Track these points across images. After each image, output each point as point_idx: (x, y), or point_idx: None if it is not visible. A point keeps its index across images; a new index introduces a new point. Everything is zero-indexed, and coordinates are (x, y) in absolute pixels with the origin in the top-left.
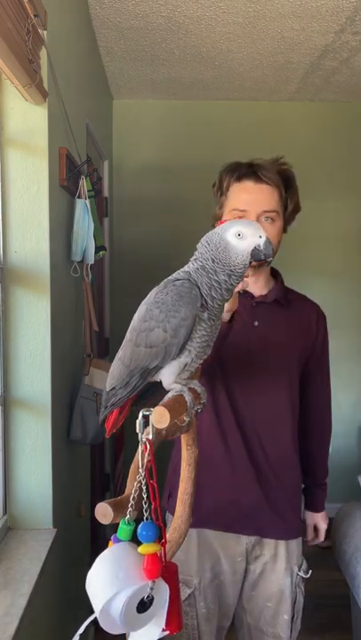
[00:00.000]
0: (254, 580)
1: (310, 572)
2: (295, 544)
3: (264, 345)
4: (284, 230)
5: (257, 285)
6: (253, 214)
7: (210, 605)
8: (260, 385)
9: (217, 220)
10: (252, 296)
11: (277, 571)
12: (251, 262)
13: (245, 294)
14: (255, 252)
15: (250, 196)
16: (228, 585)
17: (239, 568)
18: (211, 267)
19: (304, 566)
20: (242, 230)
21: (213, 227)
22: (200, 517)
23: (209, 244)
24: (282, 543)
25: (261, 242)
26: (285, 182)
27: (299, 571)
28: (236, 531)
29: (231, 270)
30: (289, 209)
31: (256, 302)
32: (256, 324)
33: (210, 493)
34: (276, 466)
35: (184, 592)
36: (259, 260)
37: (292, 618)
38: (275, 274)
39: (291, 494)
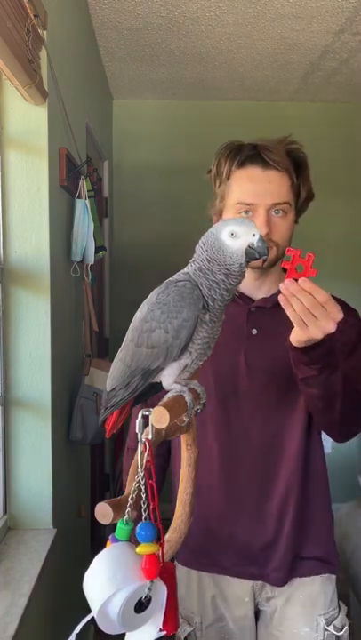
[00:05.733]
0: (269, 625)
1: (348, 625)
2: (319, 584)
3: (263, 357)
4: (296, 221)
5: (261, 289)
6: (262, 208)
7: None
8: (263, 402)
9: (218, 214)
10: (251, 300)
11: (293, 618)
12: (248, 261)
13: (242, 298)
14: (249, 252)
15: (257, 187)
16: (237, 632)
17: (248, 611)
18: (207, 267)
19: (338, 620)
20: (235, 229)
21: (212, 222)
22: (187, 557)
23: (204, 245)
24: (296, 582)
25: (255, 240)
26: (296, 165)
27: (328, 625)
28: (232, 574)
29: (227, 269)
30: (302, 197)
31: (255, 307)
32: (255, 332)
33: (198, 529)
34: (290, 493)
35: (184, 630)
36: (253, 258)
37: None
38: None
39: (315, 520)
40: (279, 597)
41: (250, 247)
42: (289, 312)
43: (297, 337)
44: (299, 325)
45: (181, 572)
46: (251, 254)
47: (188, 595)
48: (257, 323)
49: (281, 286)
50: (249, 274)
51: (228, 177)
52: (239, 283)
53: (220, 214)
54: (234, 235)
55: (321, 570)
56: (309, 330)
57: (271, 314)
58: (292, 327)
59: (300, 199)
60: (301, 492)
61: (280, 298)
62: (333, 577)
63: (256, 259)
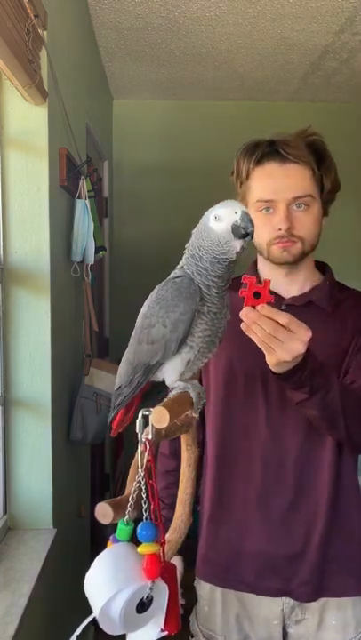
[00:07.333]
0: None
1: None
2: (351, 607)
3: None
4: (325, 213)
5: (293, 286)
6: (282, 203)
7: None
8: (293, 405)
9: None
10: (283, 298)
11: None
12: (242, 239)
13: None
14: (235, 229)
15: (275, 182)
16: None
17: (275, 633)
18: (198, 254)
19: None
20: (218, 212)
21: None
22: (207, 570)
23: (196, 234)
24: (332, 604)
25: (238, 217)
26: (317, 156)
27: None
28: (256, 591)
29: (215, 254)
30: (326, 188)
31: (286, 305)
32: None
33: (219, 539)
34: (320, 501)
35: None
36: (241, 235)
37: None
38: (323, 268)
39: (346, 531)
40: (310, 620)
41: (234, 224)
42: (254, 339)
43: (269, 362)
44: (266, 351)
45: (204, 589)
46: (237, 231)
47: (211, 613)
48: None
49: (241, 314)
50: (278, 270)
51: (248, 176)
52: (231, 269)
53: None
54: (217, 218)
55: (353, 591)
56: (277, 353)
57: (303, 312)
58: (321, 330)
59: (325, 190)
60: (333, 501)
61: (242, 326)
62: None
63: (242, 234)
